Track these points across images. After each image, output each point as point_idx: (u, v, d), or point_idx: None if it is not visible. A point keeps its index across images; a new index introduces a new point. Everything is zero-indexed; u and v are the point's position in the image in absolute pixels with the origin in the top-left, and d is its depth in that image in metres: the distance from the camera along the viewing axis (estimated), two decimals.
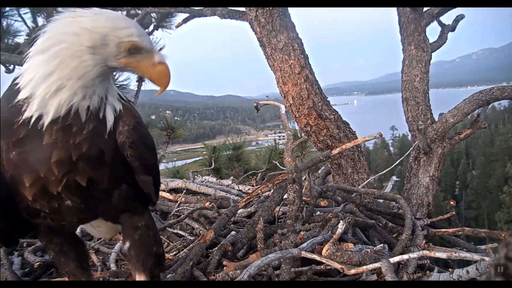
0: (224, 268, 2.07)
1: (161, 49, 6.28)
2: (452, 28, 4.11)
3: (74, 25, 1.44)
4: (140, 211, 1.79)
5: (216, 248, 2.38)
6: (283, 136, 4.44)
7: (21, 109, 1.40)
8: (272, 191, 2.93)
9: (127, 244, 1.77)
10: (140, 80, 6.40)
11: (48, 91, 1.39)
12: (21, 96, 1.41)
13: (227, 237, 2.55)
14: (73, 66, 1.41)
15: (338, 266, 2.02)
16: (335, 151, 2.97)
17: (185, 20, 4.21)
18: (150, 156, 1.69)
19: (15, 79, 1.49)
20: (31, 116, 1.39)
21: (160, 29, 6.09)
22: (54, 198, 1.50)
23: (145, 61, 1.50)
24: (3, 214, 1.53)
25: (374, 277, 2.10)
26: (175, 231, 3.13)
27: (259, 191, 2.88)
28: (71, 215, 1.59)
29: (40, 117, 1.39)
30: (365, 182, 3.61)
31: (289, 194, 2.53)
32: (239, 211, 3.15)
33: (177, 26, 4.53)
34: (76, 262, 1.80)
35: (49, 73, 1.40)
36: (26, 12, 5.65)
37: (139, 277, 1.78)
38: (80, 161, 1.45)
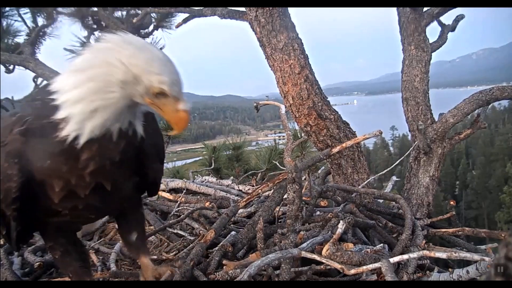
0: (224, 267, 2.07)
1: (161, 49, 6.29)
2: (452, 28, 4.11)
3: (113, 55, 1.46)
4: (140, 202, 2.05)
5: (217, 248, 2.37)
6: (283, 136, 4.44)
7: (57, 127, 1.47)
8: (272, 191, 2.93)
9: (135, 235, 1.99)
10: None
11: (83, 114, 1.47)
12: (59, 115, 1.47)
13: (227, 237, 2.55)
14: (103, 94, 1.47)
15: (338, 266, 2.02)
16: (335, 150, 2.97)
17: (185, 20, 4.21)
18: (163, 145, 1.93)
19: (47, 85, 1.56)
20: (68, 135, 1.47)
21: (160, 29, 6.10)
22: (79, 200, 1.62)
23: (170, 105, 1.53)
24: (22, 215, 1.59)
25: (374, 277, 2.10)
26: (175, 231, 3.13)
27: (260, 191, 2.88)
28: (89, 213, 1.76)
29: (76, 137, 1.48)
30: (365, 182, 3.61)
31: (289, 194, 2.53)
32: (239, 211, 3.14)
33: (177, 26, 4.53)
34: (79, 261, 1.88)
35: (83, 96, 1.47)
36: (26, 12, 5.67)
37: (146, 260, 2.05)
38: (111, 168, 1.58)
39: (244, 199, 3.03)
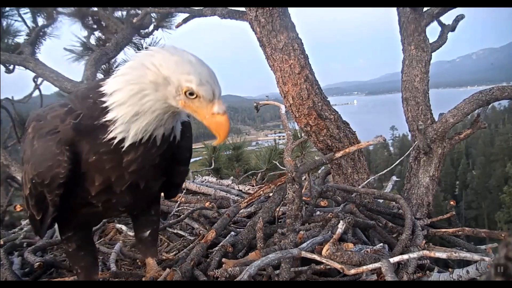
0: (223, 265, 2.07)
1: None
2: (452, 28, 4.11)
3: (149, 59, 1.54)
4: (159, 201, 2.12)
5: (217, 248, 2.37)
6: (283, 136, 4.44)
7: (106, 128, 1.57)
8: (273, 192, 2.92)
9: (148, 232, 2.07)
10: None
11: (127, 117, 1.56)
12: (108, 117, 1.57)
13: (227, 237, 2.55)
14: (139, 96, 1.55)
15: (338, 266, 2.02)
16: (338, 154, 2.96)
17: (185, 20, 4.21)
18: (192, 148, 1.99)
19: (98, 85, 1.62)
20: (115, 137, 1.57)
21: (160, 29, 6.10)
22: (113, 195, 1.71)
23: (204, 108, 1.55)
24: (61, 201, 1.67)
25: (374, 277, 2.10)
26: (175, 231, 3.13)
27: (261, 192, 2.87)
28: (120, 206, 1.84)
29: (122, 140, 1.58)
30: (365, 182, 3.61)
31: (288, 193, 2.52)
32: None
33: (177, 26, 4.53)
34: (91, 258, 1.97)
35: (125, 99, 1.56)
36: (26, 12, 5.67)
37: (152, 261, 2.11)
38: (149, 168, 1.69)
39: (246, 200, 3.03)
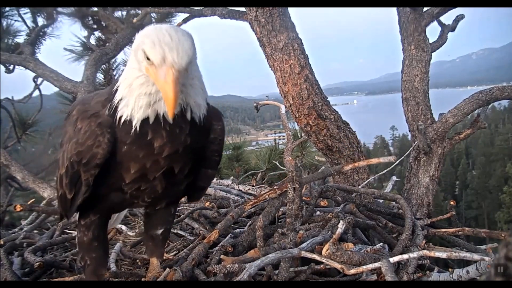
0: (222, 262, 2.08)
1: None
2: (452, 28, 4.11)
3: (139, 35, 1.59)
4: (178, 203, 2.14)
5: (217, 248, 2.38)
6: (283, 136, 4.44)
7: (116, 110, 1.63)
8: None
9: (161, 230, 2.06)
10: None
11: (124, 92, 1.61)
12: (116, 98, 1.63)
13: (227, 237, 2.56)
14: (128, 69, 1.62)
15: (338, 266, 2.02)
16: (347, 167, 2.93)
17: (185, 20, 4.21)
18: (221, 154, 1.99)
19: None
20: (122, 116, 1.61)
21: None
22: (147, 182, 1.73)
23: (156, 75, 1.51)
24: (94, 183, 1.71)
25: (374, 277, 2.10)
26: (175, 231, 3.13)
27: (267, 196, 2.85)
28: (148, 195, 1.82)
29: (130, 120, 1.61)
30: (365, 182, 3.61)
31: (289, 192, 2.52)
32: None
33: (177, 26, 4.52)
34: (103, 251, 1.98)
35: (123, 77, 1.64)
36: (26, 12, 5.66)
37: (156, 261, 2.11)
38: (183, 152, 1.68)
39: (250, 203, 3.01)
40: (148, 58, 1.49)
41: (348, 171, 3.75)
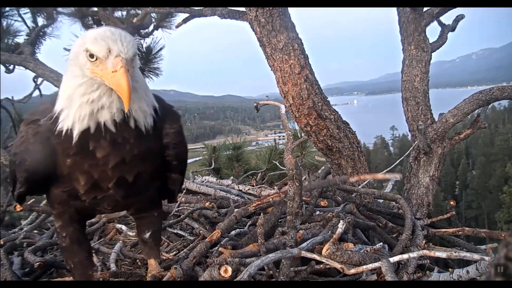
0: (221, 255, 2.08)
1: (161, 49, 6.29)
2: (452, 28, 4.11)
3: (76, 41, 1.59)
4: (159, 206, 2.09)
5: (217, 248, 2.38)
6: (283, 136, 4.44)
7: (56, 122, 1.58)
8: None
9: (148, 233, 2.04)
10: None
11: (65, 103, 1.57)
12: (56, 110, 1.60)
13: (231, 232, 2.57)
14: (67, 77, 1.58)
15: (338, 265, 2.02)
16: (353, 179, 2.93)
17: (185, 20, 4.20)
18: (185, 157, 1.92)
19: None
20: (62, 127, 1.57)
21: (160, 29, 6.09)
22: (102, 191, 1.70)
23: (105, 70, 1.47)
24: (31, 185, 1.72)
25: (374, 277, 2.10)
26: (175, 231, 3.13)
27: (271, 199, 2.85)
28: (107, 204, 1.80)
29: (71, 129, 1.56)
30: (365, 182, 3.61)
31: (289, 190, 2.53)
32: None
33: (177, 26, 4.52)
34: (86, 253, 1.95)
35: (62, 87, 1.60)
36: (26, 12, 5.66)
37: (154, 262, 2.09)
38: (132, 161, 1.63)
39: (254, 204, 3.00)
40: (92, 56, 1.47)
41: (348, 171, 3.75)
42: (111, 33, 1.48)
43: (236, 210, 2.92)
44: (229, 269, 1.83)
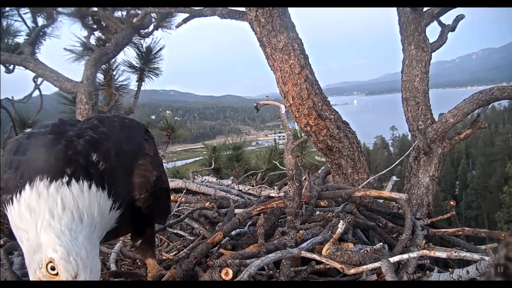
0: (221, 256, 2.08)
1: (161, 49, 6.29)
2: (452, 28, 4.11)
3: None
4: (148, 225, 2.08)
5: (216, 247, 2.38)
6: (283, 136, 4.44)
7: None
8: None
9: (139, 241, 2.08)
10: (140, 80, 6.40)
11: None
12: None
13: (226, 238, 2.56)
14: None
15: (338, 266, 2.02)
16: (358, 193, 2.95)
17: (185, 20, 4.21)
18: (164, 204, 1.96)
19: None
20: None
21: (160, 29, 6.10)
22: None
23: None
24: None
25: (374, 277, 2.10)
26: (175, 231, 3.13)
27: (275, 204, 2.87)
28: None
29: None
30: (365, 182, 3.61)
31: (289, 190, 2.53)
32: (239, 211, 3.14)
33: (177, 26, 4.53)
34: None
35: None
36: (26, 12, 5.66)
37: (152, 261, 2.13)
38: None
39: (258, 209, 3.00)
40: (52, 268, 1.27)
41: (348, 171, 3.75)
42: (88, 253, 1.33)
43: (239, 212, 2.91)
44: (230, 272, 1.83)
